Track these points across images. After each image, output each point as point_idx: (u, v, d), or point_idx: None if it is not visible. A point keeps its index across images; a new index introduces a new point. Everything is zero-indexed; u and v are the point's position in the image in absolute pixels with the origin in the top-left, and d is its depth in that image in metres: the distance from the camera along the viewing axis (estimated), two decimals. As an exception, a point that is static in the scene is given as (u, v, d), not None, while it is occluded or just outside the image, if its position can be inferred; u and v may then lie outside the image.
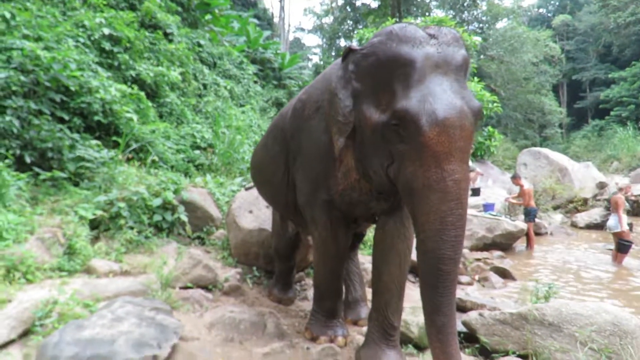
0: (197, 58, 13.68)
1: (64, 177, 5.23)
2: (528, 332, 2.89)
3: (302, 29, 44.93)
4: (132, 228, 4.45)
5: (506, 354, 2.93)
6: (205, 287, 3.67)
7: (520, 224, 7.64)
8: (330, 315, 3.12)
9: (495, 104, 12.54)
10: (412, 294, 4.71)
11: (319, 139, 2.66)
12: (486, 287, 5.46)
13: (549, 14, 41.73)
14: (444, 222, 1.93)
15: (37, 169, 5.19)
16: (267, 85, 20.66)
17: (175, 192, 5.01)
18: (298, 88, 23.19)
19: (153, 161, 6.47)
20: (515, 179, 8.39)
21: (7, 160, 4.72)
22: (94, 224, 4.42)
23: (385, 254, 2.69)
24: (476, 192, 9.04)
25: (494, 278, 5.58)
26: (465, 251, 6.60)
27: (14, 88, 5.39)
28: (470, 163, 8.76)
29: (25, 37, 6.84)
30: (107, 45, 9.07)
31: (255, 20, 24.20)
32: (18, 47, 5.96)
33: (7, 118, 5.15)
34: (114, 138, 6.83)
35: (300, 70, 25.11)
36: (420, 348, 3.07)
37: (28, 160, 5.26)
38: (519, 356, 2.88)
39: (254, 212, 4.47)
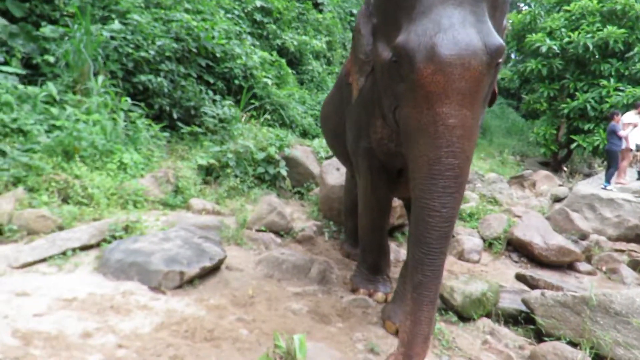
0: (347, 27, 13.98)
1: (201, 131, 6.08)
2: (588, 318, 2.46)
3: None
4: (236, 176, 5.00)
5: (558, 339, 2.55)
6: (277, 232, 3.96)
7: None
8: (373, 270, 3.10)
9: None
10: (447, 262, 4.43)
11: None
12: (613, 280, 4.64)
13: None
14: (432, 170, 1.76)
15: (180, 124, 6.14)
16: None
17: (280, 148, 5.40)
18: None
19: (270, 119, 6.99)
20: None
21: (152, 113, 5.73)
22: (209, 171, 5.09)
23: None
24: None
25: (625, 271, 4.69)
26: (601, 238, 5.65)
27: (167, 54, 6.34)
28: (638, 140, 7.24)
29: (187, 10, 7.94)
30: (258, 17, 9.95)
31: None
32: (178, 19, 6.92)
33: (159, 79, 6.11)
34: (252, 101, 7.60)
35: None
36: (462, 317, 2.86)
37: (175, 116, 6.25)
38: (570, 343, 2.47)
39: (341, 170, 4.57)
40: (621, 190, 7.04)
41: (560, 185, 8.36)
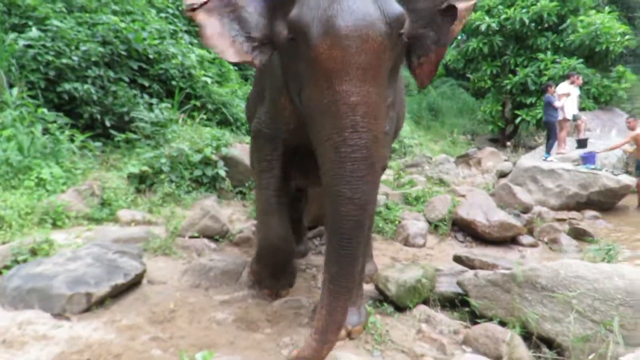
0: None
1: (136, 138, 5.79)
2: (517, 295, 2.43)
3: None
4: (172, 182, 4.78)
5: (490, 320, 2.52)
6: (211, 237, 3.79)
7: (625, 179, 6.36)
8: None
9: (627, 37, 10.44)
10: (393, 249, 4.38)
11: None
12: (554, 250, 4.74)
13: None
14: (338, 153, 1.65)
15: (114, 132, 5.83)
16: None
17: (217, 148, 5.20)
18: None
19: (207, 119, 6.79)
20: (630, 121, 6.94)
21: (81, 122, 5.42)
22: (143, 178, 4.84)
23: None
24: (582, 143, 7.73)
25: (565, 240, 4.80)
26: (542, 209, 5.77)
27: (94, 59, 5.98)
28: (574, 110, 7.53)
29: (115, 12, 7.55)
30: (193, 14, 9.61)
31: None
32: (104, 21, 6.54)
33: (86, 86, 5.76)
34: (193, 101, 7.33)
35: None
36: (398, 308, 2.79)
37: (108, 123, 5.92)
38: (501, 323, 2.44)
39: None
40: (562, 160, 7.24)
41: (505, 161, 8.54)
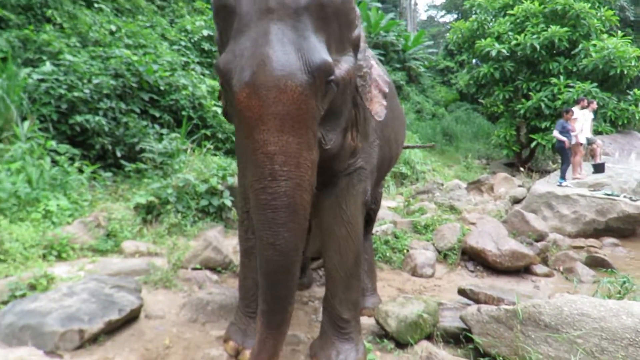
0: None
1: (146, 168, 5.86)
2: (520, 333, 2.32)
3: (435, 6, 42.69)
4: (178, 212, 4.79)
5: (494, 358, 2.41)
6: (213, 269, 3.76)
7: (644, 204, 6.17)
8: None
9: (643, 60, 10.30)
10: (400, 279, 4.26)
11: None
12: (570, 280, 4.56)
13: None
14: (258, 201, 1.66)
15: (124, 162, 5.92)
16: (389, 69, 20.08)
17: (223, 177, 5.22)
18: (425, 69, 22.26)
19: (216, 148, 6.86)
20: None
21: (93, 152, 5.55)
22: (150, 209, 4.86)
23: (324, 239, 2.41)
24: (599, 168, 7.55)
25: (582, 270, 4.63)
26: (558, 237, 5.60)
27: (105, 91, 6.14)
28: (588, 134, 7.45)
29: (128, 46, 7.79)
30: (206, 45, 9.86)
31: (378, 4, 23.79)
32: (117, 55, 6.75)
33: (97, 118, 5.90)
34: (203, 131, 7.44)
35: (426, 49, 23.97)
36: (399, 344, 2.69)
37: (119, 154, 6.04)
38: (504, 363, 2.33)
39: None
40: (577, 185, 7.07)
41: (519, 186, 8.38)
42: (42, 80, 5.59)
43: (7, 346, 2.28)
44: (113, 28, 7.93)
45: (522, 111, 11.31)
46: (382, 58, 18.74)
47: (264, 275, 1.73)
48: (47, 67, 5.75)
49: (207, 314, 2.90)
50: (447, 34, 18.59)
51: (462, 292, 3.32)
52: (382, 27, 19.73)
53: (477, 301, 3.15)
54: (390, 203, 6.99)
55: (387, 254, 4.70)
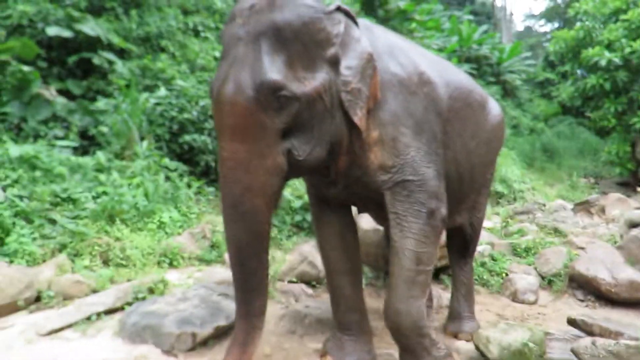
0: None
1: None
2: (645, 375, 2.10)
3: (534, 16, 40.41)
4: (275, 226, 5.01)
5: (613, 400, 2.20)
6: (308, 283, 3.87)
7: None
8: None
9: None
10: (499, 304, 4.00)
11: None
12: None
13: None
14: (222, 206, 1.97)
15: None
16: (482, 83, 19.36)
17: (317, 194, 5.37)
18: (522, 82, 21.09)
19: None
20: None
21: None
22: (248, 223, 5.15)
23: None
24: None
25: None
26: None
27: (210, 113, 6.65)
28: None
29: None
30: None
31: (470, 17, 23.16)
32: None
33: (203, 137, 6.40)
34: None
35: (523, 61, 22.76)
36: (502, 374, 2.56)
37: (220, 170, 6.50)
38: (626, 406, 2.11)
39: (375, 213, 4.44)
40: None
41: (637, 208, 7.53)
42: (157, 104, 6.21)
43: (131, 343, 2.56)
44: (217, 54, 8.59)
45: (637, 125, 10.25)
46: (475, 72, 18.06)
47: (233, 280, 2.02)
48: (162, 92, 6.39)
49: (304, 327, 2.99)
50: (548, 44, 17.52)
51: (572, 322, 3.07)
52: (474, 40, 19.11)
53: (590, 334, 2.88)
54: (486, 223, 6.66)
55: (484, 277, 4.49)
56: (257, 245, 1.97)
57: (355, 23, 2.14)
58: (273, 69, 1.84)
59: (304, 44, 1.93)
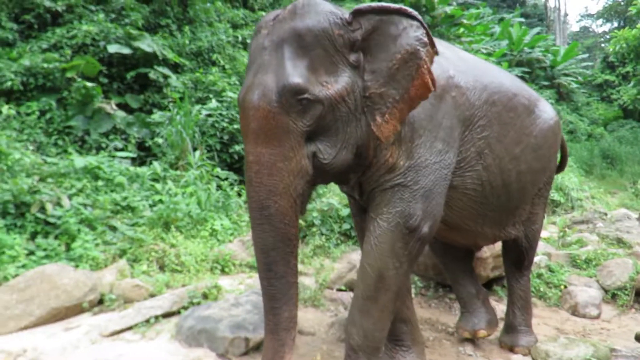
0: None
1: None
2: None
3: (590, 15, 38.57)
4: (322, 234, 5.04)
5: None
6: (357, 291, 3.84)
7: None
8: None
9: None
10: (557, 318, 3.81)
11: None
12: None
13: None
14: (249, 210, 1.99)
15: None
16: (534, 87, 18.68)
17: (365, 202, 5.36)
18: (578, 85, 20.13)
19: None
20: None
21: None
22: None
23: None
24: None
25: None
26: None
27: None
28: None
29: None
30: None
31: (522, 19, 22.47)
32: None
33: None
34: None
35: (579, 63, 21.77)
36: (563, 390, 2.44)
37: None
38: None
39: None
40: None
41: None
42: (209, 115, 6.44)
43: (187, 346, 2.65)
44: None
45: None
46: (527, 76, 17.47)
47: (260, 279, 2.00)
48: (213, 103, 6.61)
49: (354, 335, 2.97)
50: (606, 45, 16.66)
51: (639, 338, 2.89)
52: (525, 43, 18.49)
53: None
54: (542, 233, 6.40)
55: (541, 289, 4.31)
56: (284, 249, 1.93)
57: (420, 22, 2.00)
58: (295, 73, 1.87)
59: (325, 49, 1.93)
